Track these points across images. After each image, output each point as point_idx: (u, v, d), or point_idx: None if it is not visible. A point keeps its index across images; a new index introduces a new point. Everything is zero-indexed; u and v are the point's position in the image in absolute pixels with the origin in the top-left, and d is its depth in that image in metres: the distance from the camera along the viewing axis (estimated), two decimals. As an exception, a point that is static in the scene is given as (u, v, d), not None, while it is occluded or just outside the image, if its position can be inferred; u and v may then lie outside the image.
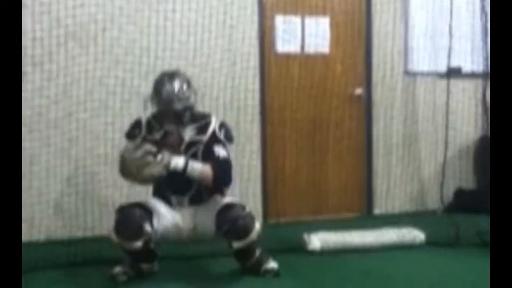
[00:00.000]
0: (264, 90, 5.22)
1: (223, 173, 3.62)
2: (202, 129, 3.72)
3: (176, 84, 3.63)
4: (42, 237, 4.65)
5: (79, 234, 4.74)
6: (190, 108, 3.68)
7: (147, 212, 3.53)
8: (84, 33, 4.67)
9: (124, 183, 4.41)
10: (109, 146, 4.76)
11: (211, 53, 4.97)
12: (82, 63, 4.68)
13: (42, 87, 4.60)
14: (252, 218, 3.58)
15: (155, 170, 3.45)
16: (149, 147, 3.49)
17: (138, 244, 3.47)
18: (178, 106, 3.61)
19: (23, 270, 3.72)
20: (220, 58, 5.00)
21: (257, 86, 5.18)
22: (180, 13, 4.88)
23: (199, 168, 3.56)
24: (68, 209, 4.74)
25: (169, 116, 3.66)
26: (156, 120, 3.73)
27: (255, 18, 5.15)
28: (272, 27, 5.25)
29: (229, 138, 3.78)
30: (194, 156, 3.64)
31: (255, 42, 5.15)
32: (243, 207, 3.61)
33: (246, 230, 3.52)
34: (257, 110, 5.19)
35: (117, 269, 3.66)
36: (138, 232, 3.45)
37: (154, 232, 3.53)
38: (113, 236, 3.50)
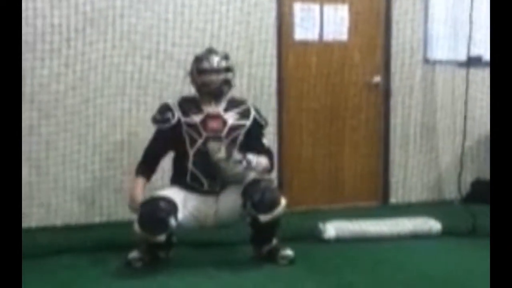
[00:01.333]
0: (281, 78, 5.19)
1: (272, 162, 3.83)
2: (244, 114, 3.79)
3: (216, 57, 3.73)
4: (58, 222, 4.68)
5: (96, 219, 4.77)
6: (229, 83, 3.74)
7: (172, 206, 3.52)
8: (102, 19, 4.67)
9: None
10: (125, 133, 4.79)
11: (228, 40, 4.95)
12: (100, 50, 4.68)
13: (60, 73, 4.60)
14: (278, 193, 3.64)
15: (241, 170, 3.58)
16: (238, 156, 3.58)
17: (161, 238, 3.49)
18: (218, 77, 3.68)
19: (40, 254, 3.82)
20: (237, 46, 4.98)
21: (274, 74, 5.16)
22: (197, 0, 4.87)
23: (263, 163, 3.70)
24: (85, 195, 4.77)
25: (206, 92, 3.70)
26: (191, 103, 3.75)
27: (273, 5, 5.11)
28: (290, 15, 5.22)
29: (266, 122, 3.95)
30: (234, 140, 3.71)
31: (272, 30, 5.12)
32: (271, 181, 3.68)
33: (274, 203, 3.55)
34: (273, 98, 5.17)
35: (133, 254, 3.68)
36: (163, 227, 3.47)
37: (178, 225, 3.54)
38: (137, 228, 3.51)
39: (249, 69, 5.03)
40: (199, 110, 3.71)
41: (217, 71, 3.70)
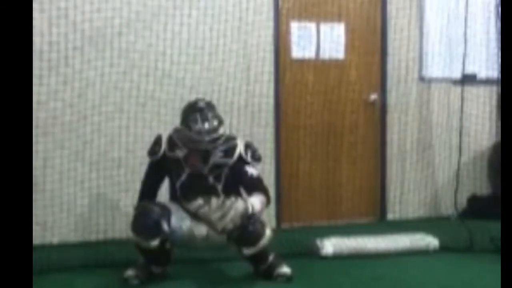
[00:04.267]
0: (278, 95, 5.23)
1: (267, 193, 3.78)
2: (228, 152, 3.75)
3: (206, 125, 3.67)
4: (55, 240, 4.67)
5: (92, 237, 4.76)
6: (218, 140, 3.71)
7: (165, 211, 3.55)
8: (100, 37, 4.69)
9: (137, 188, 4.44)
10: (123, 150, 4.79)
11: (226, 58, 4.98)
12: (98, 67, 4.70)
13: (58, 91, 4.62)
14: (262, 225, 3.57)
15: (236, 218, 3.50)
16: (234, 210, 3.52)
17: (155, 243, 3.48)
18: (209, 137, 3.65)
19: (36, 272, 3.79)
20: (235, 63, 5.01)
21: (271, 91, 5.19)
22: (195, 19, 4.90)
23: (258, 201, 3.64)
24: (81, 212, 4.76)
25: (195, 148, 3.68)
26: (179, 137, 3.74)
27: (271, 24, 5.16)
28: (287, 33, 5.26)
29: (256, 158, 3.84)
30: (217, 178, 3.70)
31: (270, 48, 5.16)
32: (254, 213, 3.58)
33: (257, 237, 3.51)
34: (271, 115, 5.19)
35: (129, 272, 3.66)
36: (156, 230, 3.47)
37: (171, 231, 3.54)
38: (131, 234, 3.53)
39: (246, 86, 5.05)
40: (184, 145, 3.70)
41: (209, 132, 3.66)
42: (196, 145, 3.67)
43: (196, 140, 3.66)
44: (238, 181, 3.73)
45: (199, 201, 3.64)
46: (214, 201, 3.63)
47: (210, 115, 3.70)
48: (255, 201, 3.62)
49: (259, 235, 3.51)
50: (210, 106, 3.79)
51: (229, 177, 3.73)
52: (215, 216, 3.55)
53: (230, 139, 3.83)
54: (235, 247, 3.56)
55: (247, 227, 3.47)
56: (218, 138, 3.70)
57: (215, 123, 3.70)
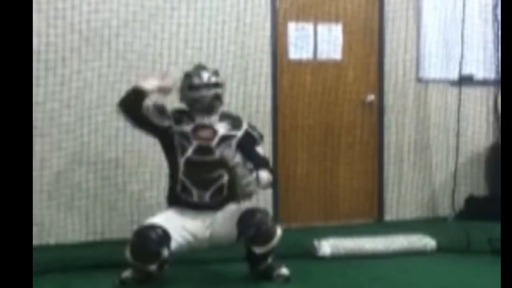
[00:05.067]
0: (276, 96, 5.23)
1: (272, 171, 3.78)
2: (236, 125, 3.79)
3: (206, 73, 3.73)
4: (52, 240, 4.67)
5: (89, 238, 4.76)
6: (219, 98, 3.74)
7: (164, 235, 3.46)
8: (97, 38, 4.70)
9: (134, 188, 4.45)
10: (120, 151, 4.78)
11: (223, 59, 4.98)
12: (95, 68, 4.70)
13: (55, 91, 4.62)
14: (274, 224, 3.61)
15: (253, 187, 3.49)
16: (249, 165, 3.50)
17: (153, 267, 3.46)
18: (209, 93, 3.67)
19: (33, 273, 3.78)
20: (232, 64, 5.02)
21: (269, 92, 5.19)
22: (193, 19, 4.91)
23: (265, 177, 3.62)
24: (79, 213, 4.76)
25: (198, 108, 3.70)
26: (182, 113, 3.75)
27: (268, 25, 5.17)
28: (285, 34, 5.27)
29: (261, 136, 3.90)
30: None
31: (267, 49, 5.17)
32: (266, 213, 3.62)
33: (269, 236, 3.53)
34: (268, 116, 5.20)
35: (126, 273, 3.64)
36: (155, 257, 3.44)
37: (170, 254, 3.51)
38: (128, 257, 3.49)
39: (244, 87, 5.06)
40: (190, 120, 3.72)
41: (208, 86, 3.70)
42: (200, 103, 3.67)
43: (198, 98, 3.67)
44: (247, 157, 3.61)
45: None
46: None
47: (208, 71, 3.77)
48: (264, 176, 3.60)
49: (272, 234, 3.55)
50: (206, 67, 3.87)
51: (240, 149, 3.67)
52: (245, 181, 3.44)
53: (234, 115, 3.90)
54: (246, 244, 3.55)
55: (261, 226, 3.48)
56: (220, 97, 3.72)
57: (214, 77, 3.74)
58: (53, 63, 4.60)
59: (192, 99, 3.72)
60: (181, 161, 3.67)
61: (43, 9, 4.52)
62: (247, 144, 3.76)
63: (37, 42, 4.48)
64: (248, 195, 3.53)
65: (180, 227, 3.60)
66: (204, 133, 3.70)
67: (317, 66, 5.36)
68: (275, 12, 5.19)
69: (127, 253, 3.49)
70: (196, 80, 3.71)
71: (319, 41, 5.36)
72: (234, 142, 3.73)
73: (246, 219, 3.52)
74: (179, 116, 3.75)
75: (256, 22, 5.10)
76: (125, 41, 4.76)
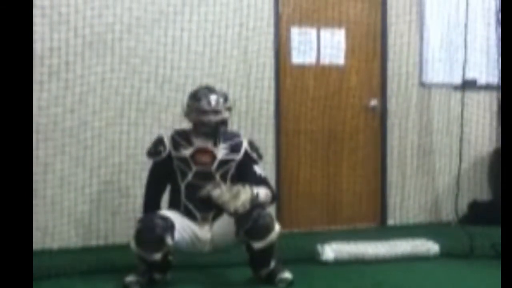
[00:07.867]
0: (279, 101, 5.23)
1: (272, 191, 3.83)
2: (235, 148, 3.79)
3: (214, 97, 3.72)
4: (55, 245, 4.66)
5: (93, 242, 4.76)
6: (224, 123, 3.75)
7: (169, 224, 3.53)
8: (101, 43, 4.70)
9: (138, 193, 4.45)
10: (123, 155, 4.79)
11: (226, 63, 4.99)
12: (99, 73, 4.71)
13: (58, 96, 4.63)
14: (272, 218, 3.64)
15: (246, 202, 3.51)
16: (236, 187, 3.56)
17: (158, 256, 3.49)
18: (216, 118, 3.68)
19: (36, 278, 3.79)
20: (235, 69, 5.02)
21: (272, 97, 5.20)
22: (196, 24, 4.91)
23: (263, 192, 3.66)
24: (82, 218, 4.76)
25: (202, 131, 3.71)
26: (182, 137, 3.77)
27: (271, 29, 5.17)
28: (288, 39, 5.27)
29: (260, 156, 3.90)
30: (224, 176, 3.73)
31: (270, 53, 5.17)
32: (263, 207, 3.63)
33: (267, 230, 3.55)
34: (271, 120, 5.20)
35: (130, 278, 3.64)
36: (159, 244, 3.47)
37: (174, 244, 3.54)
38: (133, 245, 3.53)
39: (247, 92, 5.06)
40: (189, 144, 3.74)
41: (216, 112, 3.70)
42: (205, 127, 3.68)
43: (205, 122, 3.67)
44: (244, 178, 3.71)
45: (208, 186, 3.61)
46: (223, 186, 3.63)
47: (216, 92, 3.78)
48: (261, 191, 3.65)
49: (270, 228, 3.56)
50: (215, 88, 3.88)
51: (235, 175, 3.76)
52: (227, 196, 3.52)
53: (235, 135, 3.90)
54: (245, 239, 3.55)
55: (258, 219, 3.51)
56: (226, 122, 3.73)
57: (221, 100, 3.74)
58: (57, 67, 4.60)
59: (198, 122, 3.73)
60: (182, 185, 3.74)
61: (47, 14, 4.53)
62: (246, 166, 3.80)
63: (41, 47, 4.50)
64: (240, 210, 3.52)
65: (184, 224, 3.66)
66: (203, 158, 3.73)
67: (320, 70, 5.36)
68: (278, 17, 5.20)
69: (132, 243, 3.54)
70: (204, 105, 3.69)
71: (322, 46, 5.36)
72: (233, 165, 3.78)
73: (244, 214, 3.54)
74: (178, 140, 3.77)
75: (259, 27, 5.10)
76: (129, 45, 4.77)
